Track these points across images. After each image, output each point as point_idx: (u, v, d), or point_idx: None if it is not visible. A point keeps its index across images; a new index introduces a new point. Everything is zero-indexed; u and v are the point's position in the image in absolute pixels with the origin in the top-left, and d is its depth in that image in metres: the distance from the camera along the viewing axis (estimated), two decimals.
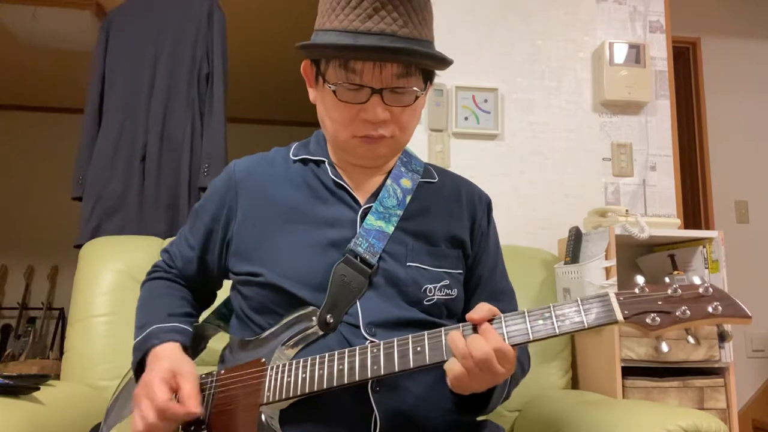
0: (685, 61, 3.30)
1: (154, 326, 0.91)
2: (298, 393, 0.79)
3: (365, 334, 0.85)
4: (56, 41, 3.51)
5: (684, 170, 3.04)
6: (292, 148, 1.02)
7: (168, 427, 0.79)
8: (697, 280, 0.73)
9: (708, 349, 1.51)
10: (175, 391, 0.81)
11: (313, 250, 0.90)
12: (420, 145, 1.96)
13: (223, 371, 0.88)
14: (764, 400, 3.09)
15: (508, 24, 2.09)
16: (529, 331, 0.73)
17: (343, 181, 0.95)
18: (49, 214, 4.62)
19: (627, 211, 1.67)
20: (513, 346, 0.73)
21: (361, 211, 0.93)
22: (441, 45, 0.90)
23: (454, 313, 0.96)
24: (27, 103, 4.80)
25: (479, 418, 0.93)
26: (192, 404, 0.79)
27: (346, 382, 0.77)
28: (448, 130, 2.00)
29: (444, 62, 0.87)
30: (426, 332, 0.77)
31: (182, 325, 0.94)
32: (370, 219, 0.91)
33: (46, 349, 4.37)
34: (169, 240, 1.53)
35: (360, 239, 0.89)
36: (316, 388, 0.78)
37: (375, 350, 0.77)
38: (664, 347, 0.71)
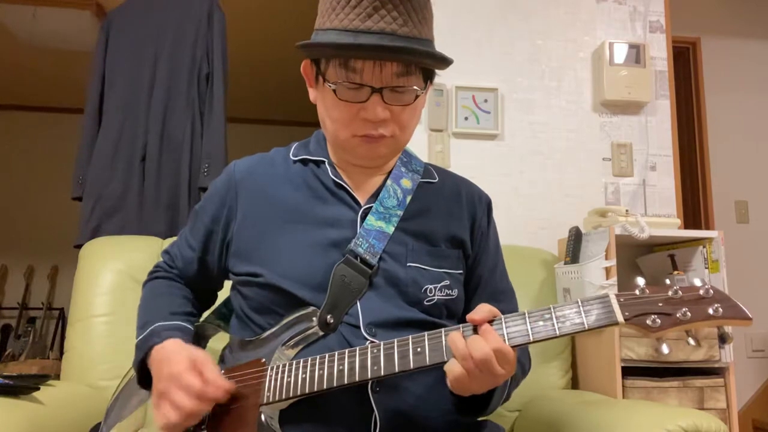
0: (685, 61, 3.30)
1: (156, 324, 0.91)
2: (298, 393, 0.79)
3: (365, 335, 0.85)
4: (56, 41, 3.51)
5: (684, 170, 3.04)
6: (292, 148, 1.02)
7: (204, 411, 0.80)
8: (697, 282, 0.73)
9: (708, 349, 1.51)
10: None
11: (313, 251, 0.90)
12: (420, 145, 1.96)
13: (223, 371, 0.88)
14: (764, 400, 3.09)
15: (508, 24, 2.09)
16: (530, 332, 0.73)
17: (343, 181, 0.95)
18: (49, 214, 4.62)
19: (627, 211, 1.67)
20: (513, 347, 0.73)
21: (361, 211, 0.93)
22: (441, 45, 0.90)
23: (454, 313, 0.96)
24: (27, 103, 4.80)
25: (479, 419, 0.93)
26: (223, 383, 0.80)
27: (346, 382, 0.77)
28: (448, 130, 2.00)
29: (444, 61, 0.87)
30: (426, 333, 0.77)
31: (184, 324, 0.94)
32: (371, 219, 0.91)
33: (46, 349, 4.37)
34: (169, 240, 1.54)
35: (360, 240, 0.89)
36: (316, 389, 0.78)
37: (375, 351, 0.77)
38: (665, 349, 0.71)
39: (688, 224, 3.01)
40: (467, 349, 0.72)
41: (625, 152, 2.07)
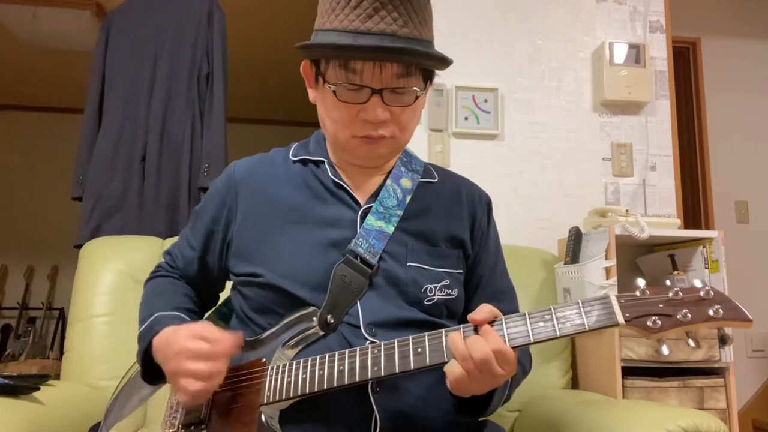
0: (685, 61, 3.29)
1: (158, 313, 0.90)
2: (299, 393, 0.79)
3: (365, 335, 0.85)
4: (56, 41, 3.51)
5: (684, 170, 3.04)
6: (292, 148, 1.02)
7: (221, 371, 0.79)
8: (698, 283, 0.73)
9: (708, 349, 1.51)
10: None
11: (313, 251, 0.90)
12: (420, 145, 1.96)
13: None
14: (764, 400, 3.09)
15: (508, 24, 2.09)
16: (530, 333, 0.73)
17: (343, 181, 0.95)
18: (49, 214, 4.62)
19: (627, 211, 1.67)
20: (513, 347, 0.73)
21: (361, 211, 0.93)
22: (441, 45, 0.90)
23: (454, 313, 0.96)
24: (27, 103, 4.79)
25: (479, 419, 0.93)
26: (229, 336, 0.79)
27: (346, 382, 0.77)
28: (448, 130, 2.00)
29: (444, 62, 0.87)
30: (426, 333, 0.77)
31: (184, 316, 0.93)
32: (370, 219, 0.91)
33: (46, 349, 4.37)
34: (169, 240, 1.54)
35: (360, 239, 0.89)
36: (316, 389, 0.78)
37: (375, 351, 0.77)
38: (665, 350, 0.71)
39: (688, 224, 3.01)
40: (467, 349, 0.72)
41: (625, 152, 2.07)
